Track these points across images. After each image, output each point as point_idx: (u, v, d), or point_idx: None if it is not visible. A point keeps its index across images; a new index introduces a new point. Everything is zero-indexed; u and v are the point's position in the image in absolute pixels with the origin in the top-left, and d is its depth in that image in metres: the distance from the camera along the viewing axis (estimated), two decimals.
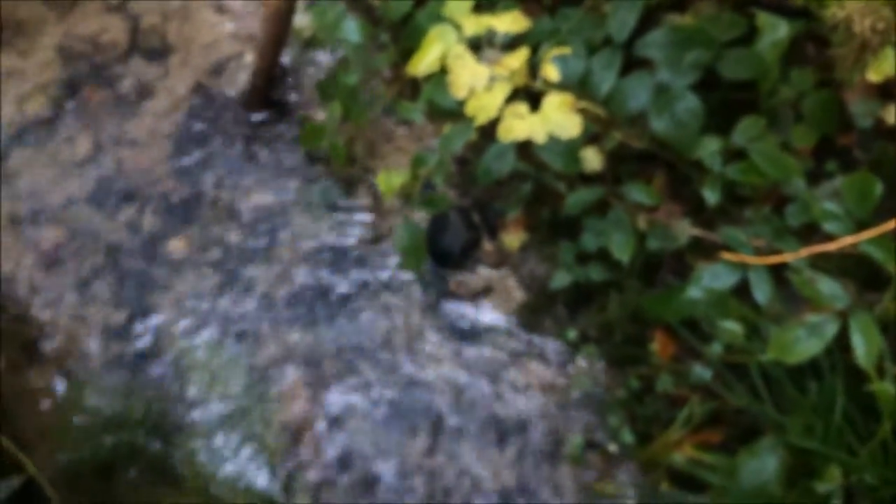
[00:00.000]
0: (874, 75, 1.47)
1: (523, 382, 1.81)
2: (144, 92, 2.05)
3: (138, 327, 1.86)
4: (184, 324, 1.86)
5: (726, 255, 1.35)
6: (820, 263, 1.47)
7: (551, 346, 1.83)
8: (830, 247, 1.22)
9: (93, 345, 1.85)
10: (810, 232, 1.54)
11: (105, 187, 1.97)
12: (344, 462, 1.73)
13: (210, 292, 1.88)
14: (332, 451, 1.74)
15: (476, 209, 1.92)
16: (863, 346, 1.36)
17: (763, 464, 1.49)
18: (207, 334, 1.85)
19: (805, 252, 1.25)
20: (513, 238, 1.89)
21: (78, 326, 1.86)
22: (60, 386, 1.82)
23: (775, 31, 1.55)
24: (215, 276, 1.89)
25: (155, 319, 1.87)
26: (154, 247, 1.92)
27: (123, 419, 1.79)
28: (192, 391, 1.80)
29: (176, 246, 1.92)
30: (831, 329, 1.37)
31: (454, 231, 1.90)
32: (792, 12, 1.40)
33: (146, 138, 2.01)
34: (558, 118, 1.36)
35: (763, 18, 1.55)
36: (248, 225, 1.94)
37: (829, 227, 1.40)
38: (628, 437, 1.72)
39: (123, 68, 2.07)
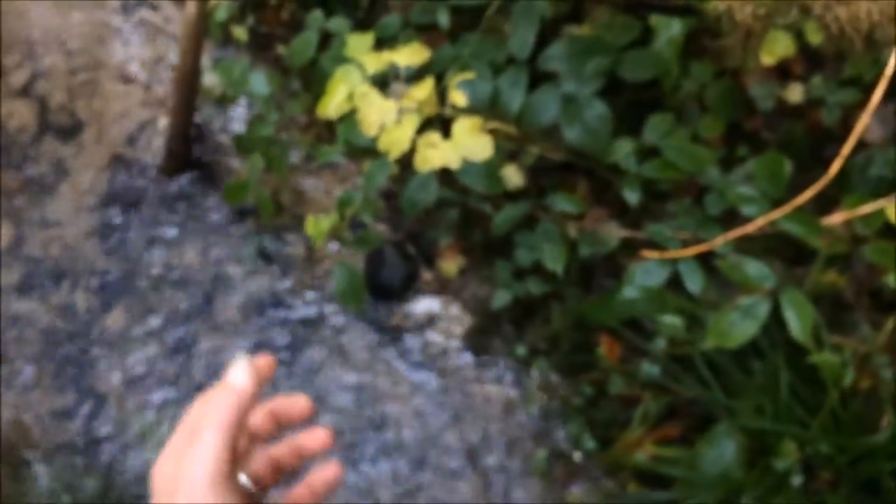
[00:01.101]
0: (767, 58, 1.52)
1: (481, 405, 1.81)
2: (61, 171, 2.02)
3: (85, 408, 1.82)
4: (132, 398, 1.83)
5: (647, 253, 1.37)
6: (745, 246, 1.50)
7: (503, 364, 1.84)
8: (748, 229, 1.25)
9: (41, 433, 1.81)
10: (732, 217, 1.58)
11: (34, 273, 1.94)
12: None
13: (154, 362, 1.86)
14: None
15: (410, 240, 1.93)
16: (796, 321, 1.39)
17: (721, 450, 1.51)
18: (157, 403, 1.82)
19: (722, 239, 1.28)
20: (450, 264, 1.90)
21: (25, 416, 1.82)
22: (13, 478, 1.77)
23: (669, 29, 1.59)
24: (158, 345, 1.87)
25: (102, 398, 1.83)
26: (91, 325, 1.89)
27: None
28: (148, 466, 1.77)
29: (113, 321, 1.89)
30: (764, 309, 1.41)
31: (391, 265, 1.90)
32: (677, 10, 1.45)
33: (69, 217, 1.98)
34: (469, 142, 1.38)
35: (656, 19, 1.60)
36: (183, 289, 1.92)
37: (746, 210, 1.44)
38: (590, 443, 1.73)
39: (36, 151, 2.04)
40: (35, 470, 1.77)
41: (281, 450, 0.59)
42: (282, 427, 0.60)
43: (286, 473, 0.59)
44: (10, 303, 1.91)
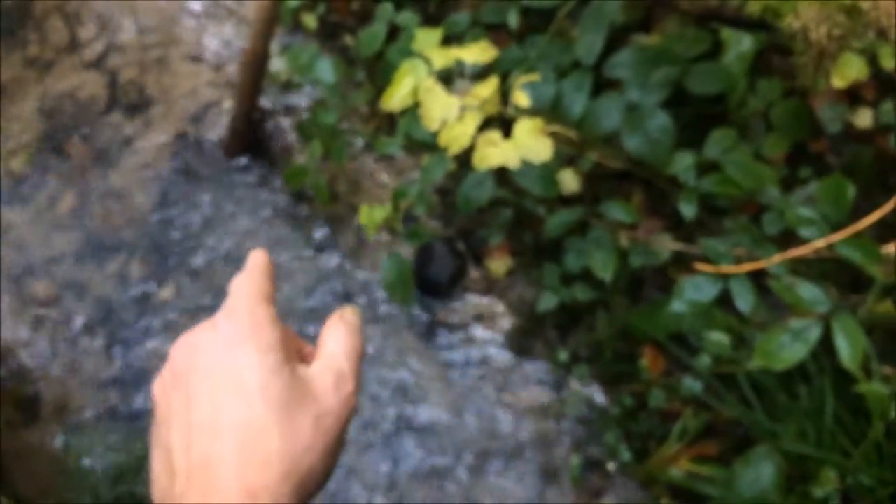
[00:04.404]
0: (839, 81, 1.49)
1: (519, 407, 1.82)
2: (126, 144, 2.07)
3: (132, 378, 1.87)
4: None
5: (701, 266, 1.36)
6: (801, 269, 1.48)
7: (543, 368, 1.84)
8: (804, 251, 1.23)
9: (88, 398, 1.85)
10: (790, 239, 1.56)
11: (92, 240, 1.99)
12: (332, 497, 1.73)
13: None
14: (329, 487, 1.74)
15: (460, 238, 1.94)
16: (847, 349, 1.37)
17: (759, 472, 1.49)
18: None
19: (779, 258, 1.26)
20: (498, 264, 1.90)
21: (72, 380, 1.87)
22: (58, 441, 1.82)
23: (739, 44, 1.58)
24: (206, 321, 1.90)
25: (148, 369, 1.87)
26: (143, 296, 1.94)
27: (123, 471, 1.79)
28: None
29: (165, 294, 1.93)
30: (815, 333, 1.38)
31: (440, 261, 1.92)
32: (751, 25, 1.43)
33: (130, 189, 2.03)
34: (530, 143, 1.38)
35: (727, 33, 1.58)
36: (236, 268, 1.94)
37: (804, 232, 1.42)
38: (626, 454, 1.72)
39: (104, 123, 2.10)
40: (77, 435, 1.82)
41: None
42: None
43: None
44: (67, 269, 1.96)
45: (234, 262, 1.95)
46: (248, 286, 0.56)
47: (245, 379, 0.51)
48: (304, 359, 0.57)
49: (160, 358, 1.87)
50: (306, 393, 0.51)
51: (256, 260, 0.59)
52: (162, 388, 0.54)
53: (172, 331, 1.89)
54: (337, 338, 0.56)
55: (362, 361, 0.56)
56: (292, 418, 0.50)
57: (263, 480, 0.48)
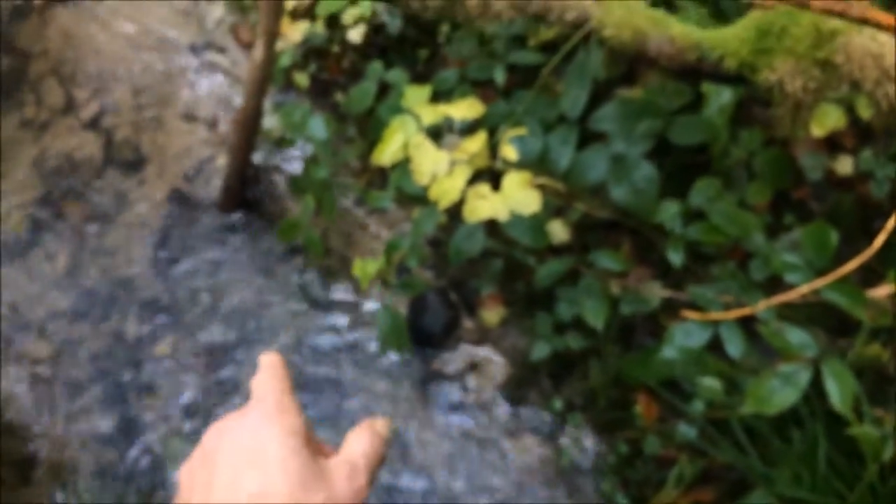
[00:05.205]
0: (818, 129, 1.54)
1: (514, 456, 1.82)
2: (121, 203, 2.10)
3: (129, 435, 1.87)
4: (175, 427, 1.87)
5: (689, 314, 1.38)
6: (788, 314, 1.51)
7: (539, 417, 1.85)
8: (790, 296, 1.26)
9: (85, 456, 1.85)
10: (776, 284, 1.58)
11: (87, 298, 2.00)
12: None
13: (197, 394, 1.90)
14: None
15: (453, 288, 1.96)
16: (837, 392, 1.39)
17: None
18: (200, 433, 1.85)
19: (766, 304, 1.29)
20: (491, 314, 1.92)
21: (69, 439, 1.87)
22: (54, 500, 1.81)
23: (719, 96, 1.62)
24: (202, 378, 1.91)
25: (144, 425, 1.88)
26: (139, 353, 1.95)
27: None
28: None
29: (161, 351, 1.94)
30: (804, 377, 1.40)
31: (434, 312, 1.94)
32: (729, 78, 1.48)
33: (125, 247, 2.05)
34: (518, 195, 1.41)
35: (707, 86, 1.63)
36: (231, 323, 1.97)
37: (790, 277, 1.45)
38: (623, 501, 1.72)
39: (100, 182, 2.13)
40: (75, 492, 1.82)
41: None
42: None
43: None
44: (63, 327, 1.97)
45: (229, 316, 1.97)
46: (271, 380, 0.61)
47: (267, 453, 0.54)
48: (324, 457, 0.60)
49: (157, 415, 1.88)
50: (322, 477, 0.55)
51: (271, 360, 0.64)
52: (189, 469, 0.58)
53: (169, 387, 1.90)
54: (359, 440, 0.60)
55: (380, 467, 0.60)
56: (306, 496, 0.53)
57: None
